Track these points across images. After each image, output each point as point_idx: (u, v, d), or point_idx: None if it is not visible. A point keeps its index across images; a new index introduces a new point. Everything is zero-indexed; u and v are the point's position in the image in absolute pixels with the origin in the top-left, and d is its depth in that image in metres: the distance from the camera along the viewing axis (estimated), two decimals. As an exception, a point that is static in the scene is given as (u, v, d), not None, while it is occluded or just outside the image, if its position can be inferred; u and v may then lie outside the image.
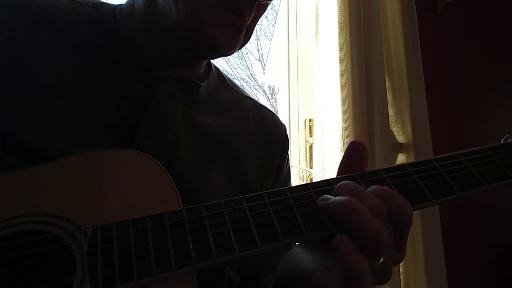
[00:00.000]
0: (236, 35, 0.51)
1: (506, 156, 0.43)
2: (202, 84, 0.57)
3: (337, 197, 0.35)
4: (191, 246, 0.33)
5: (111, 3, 0.58)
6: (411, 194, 0.38)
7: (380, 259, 0.33)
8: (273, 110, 0.70)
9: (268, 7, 0.56)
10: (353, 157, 0.40)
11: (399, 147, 1.34)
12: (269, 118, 0.66)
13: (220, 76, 0.65)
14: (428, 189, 0.39)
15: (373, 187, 0.37)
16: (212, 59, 0.61)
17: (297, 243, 0.45)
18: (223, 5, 0.48)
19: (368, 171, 0.40)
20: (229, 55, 0.55)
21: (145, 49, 0.53)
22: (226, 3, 0.48)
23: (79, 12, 0.52)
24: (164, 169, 0.39)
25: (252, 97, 0.68)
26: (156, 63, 0.53)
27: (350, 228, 0.33)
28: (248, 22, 0.52)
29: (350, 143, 0.40)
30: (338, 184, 0.37)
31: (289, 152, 0.69)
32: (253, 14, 0.51)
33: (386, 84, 1.32)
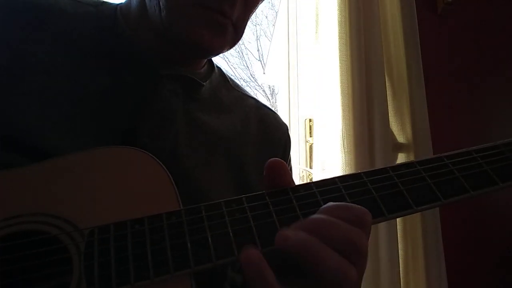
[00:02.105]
0: (221, 33, 0.50)
1: None
2: (204, 83, 0.57)
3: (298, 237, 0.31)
4: (189, 248, 0.32)
5: (112, 2, 0.57)
6: (419, 194, 0.36)
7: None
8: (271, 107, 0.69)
9: (259, 4, 0.54)
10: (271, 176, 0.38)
11: (399, 147, 1.34)
12: (271, 118, 0.66)
13: (222, 75, 0.65)
14: (438, 189, 0.37)
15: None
16: (203, 58, 0.59)
17: None
18: (202, 3, 0.47)
19: (375, 169, 0.38)
20: (218, 54, 0.53)
21: (145, 47, 0.52)
22: (205, 1, 0.47)
23: (80, 11, 0.52)
24: (164, 167, 0.39)
25: (254, 96, 0.67)
26: (157, 61, 0.52)
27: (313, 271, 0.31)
28: (234, 19, 0.50)
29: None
30: (306, 220, 0.33)
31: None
32: (238, 11, 0.50)
33: (386, 84, 1.32)
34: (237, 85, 0.67)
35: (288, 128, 0.69)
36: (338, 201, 0.36)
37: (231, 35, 0.51)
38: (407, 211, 0.36)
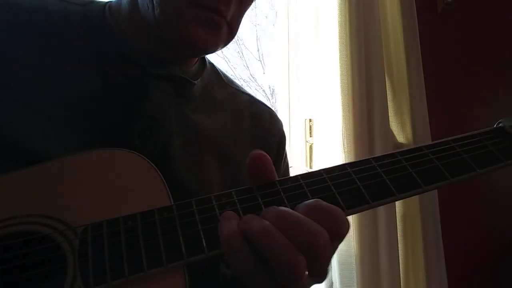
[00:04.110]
0: (215, 32, 0.49)
1: (498, 141, 0.43)
2: (195, 82, 0.56)
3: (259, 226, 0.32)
4: (181, 241, 0.33)
5: (100, 1, 0.56)
6: (401, 182, 0.38)
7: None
8: (270, 106, 0.68)
9: (253, 2, 0.54)
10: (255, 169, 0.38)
11: (399, 147, 1.34)
12: (266, 114, 0.65)
13: (214, 71, 0.64)
14: (419, 176, 0.38)
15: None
16: (197, 56, 0.59)
17: None
18: (197, 2, 0.46)
19: (358, 161, 0.40)
20: (212, 52, 0.53)
21: (136, 46, 0.52)
22: (200, 0, 0.46)
23: (67, 11, 0.51)
24: (154, 166, 0.39)
25: (248, 92, 0.66)
26: (147, 60, 0.52)
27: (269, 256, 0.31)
28: (229, 17, 0.50)
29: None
30: (266, 210, 0.34)
31: (287, 150, 0.68)
32: (233, 9, 0.49)
33: (386, 84, 1.32)
34: (231, 81, 0.65)
35: (283, 124, 0.68)
36: (325, 192, 0.37)
37: (225, 33, 0.51)
38: (390, 198, 0.37)
